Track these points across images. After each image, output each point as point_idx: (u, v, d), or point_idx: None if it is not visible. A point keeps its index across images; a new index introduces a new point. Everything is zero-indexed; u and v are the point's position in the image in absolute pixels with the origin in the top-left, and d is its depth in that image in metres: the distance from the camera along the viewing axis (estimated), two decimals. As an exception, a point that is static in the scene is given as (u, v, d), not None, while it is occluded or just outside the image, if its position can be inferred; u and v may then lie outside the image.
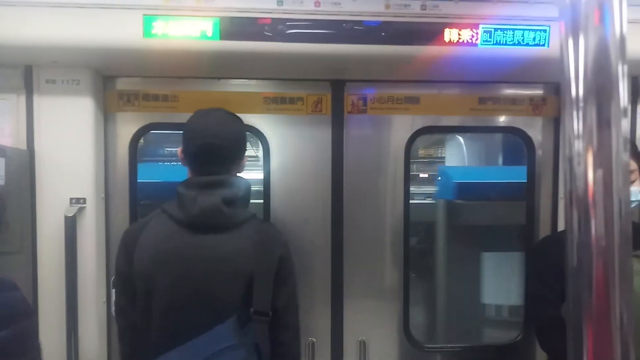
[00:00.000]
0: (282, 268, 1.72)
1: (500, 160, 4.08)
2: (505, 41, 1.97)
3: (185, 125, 1.75)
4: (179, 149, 1.80)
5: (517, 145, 2.62)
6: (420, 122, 2.40)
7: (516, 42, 1.97)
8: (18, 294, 1.07)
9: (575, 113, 0.63)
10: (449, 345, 2.54)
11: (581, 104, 0.62)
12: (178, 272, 1.62)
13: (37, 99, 2.08)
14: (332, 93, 2.35)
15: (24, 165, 2.06)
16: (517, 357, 2.49)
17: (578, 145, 0.62)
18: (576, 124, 0.63)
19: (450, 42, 1.94)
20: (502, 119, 2.46)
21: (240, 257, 1.64)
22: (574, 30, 0.62)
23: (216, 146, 1.67)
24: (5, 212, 1.94)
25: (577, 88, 0.62)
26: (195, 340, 1.53)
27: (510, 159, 3.86)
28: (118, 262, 1.71)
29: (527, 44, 1.98)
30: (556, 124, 2.46)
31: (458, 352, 2.47)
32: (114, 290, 1.75)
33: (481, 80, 2.38)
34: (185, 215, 1.64)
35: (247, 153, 1.84)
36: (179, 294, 1.62)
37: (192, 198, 1.63)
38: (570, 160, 0.63)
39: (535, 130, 2.46)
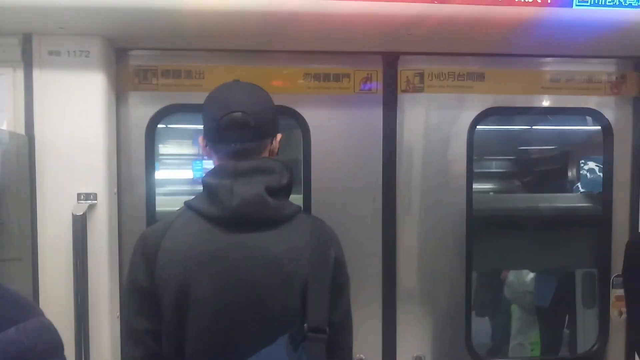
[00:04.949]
0: (337, 273, 1.43)
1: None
2: (605, 1, 1.66)
3: (205, 102, 1.46)
4: (200, 137, 1.50)
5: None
6: (484, 102, 2.08)
7: (617, 3, 1.67)
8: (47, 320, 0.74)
9: None
10: None
11: None
12: (219, 279, 1.32)
13: (37, 74, 1.77)
14: (383, 68, 2.04)
15: (23, 154, 1.74)
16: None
17: None
18: None
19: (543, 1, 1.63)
20: (573, 99, 2.14)
21: (294, 259, 1.35)
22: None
23: (244, 118, 1.37)
24: (1, 211, 1.62)
25: None
26: None
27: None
28: (134, 275, 1.37)
29: (630, 5, 1.67)
30: (636, 104, 2.16)
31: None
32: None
33: (555, 54, 2.09)
34: (220, 210, 1.32)
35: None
36: (221, 306, 1.31)
37: (227, 188, 1.32)
38: None
39: (612, 112, 2.15)
